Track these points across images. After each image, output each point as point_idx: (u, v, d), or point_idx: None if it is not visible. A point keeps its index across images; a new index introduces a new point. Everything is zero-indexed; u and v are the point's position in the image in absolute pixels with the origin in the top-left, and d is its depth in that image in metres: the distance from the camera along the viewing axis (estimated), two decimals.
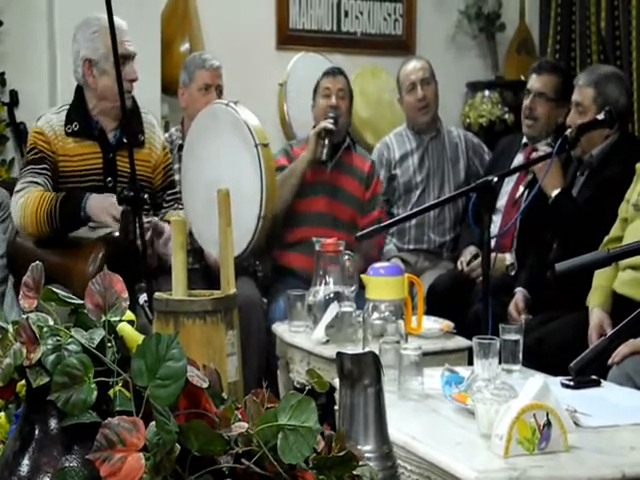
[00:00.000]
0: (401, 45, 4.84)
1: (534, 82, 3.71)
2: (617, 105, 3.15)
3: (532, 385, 1.74)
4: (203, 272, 3.47)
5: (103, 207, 2.93)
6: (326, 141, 3.68)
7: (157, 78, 4.08)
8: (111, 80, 3.00)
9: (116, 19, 2.91)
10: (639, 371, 2.27)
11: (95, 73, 3.07)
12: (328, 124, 3.69)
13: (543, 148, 3.45)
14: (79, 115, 3.09)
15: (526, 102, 3.70)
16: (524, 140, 3.78)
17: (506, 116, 4.58)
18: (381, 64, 4.71)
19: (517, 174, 3.67)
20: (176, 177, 3.59)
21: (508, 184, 3.71)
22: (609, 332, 2.32)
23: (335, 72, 3.87)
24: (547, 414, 1.70)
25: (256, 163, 3.31)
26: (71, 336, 1.03)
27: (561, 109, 3.64)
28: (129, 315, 1.13)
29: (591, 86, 3.23)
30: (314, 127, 3.79)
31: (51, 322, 1.06)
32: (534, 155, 3.34)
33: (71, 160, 3.06)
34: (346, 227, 3.73)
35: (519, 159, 3.74)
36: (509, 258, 3.50)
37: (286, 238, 3.81)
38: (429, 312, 3.20)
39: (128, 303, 1.11)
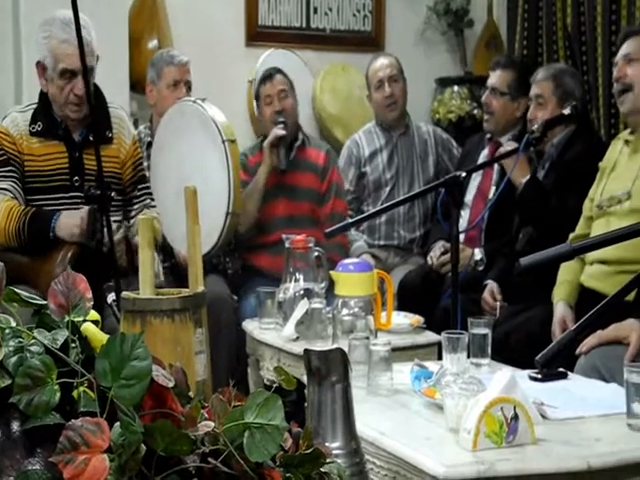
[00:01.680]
0: (370, 41, 4.84)
1: (490, 78, 3.78)
2: (575, 96, 3.26)
3: (499, 379, 1.76)
4: (172, 270, 3.46)
5: (72, 224, 2.89)
6: (282, 147, 3.68)
7: (125, 75, 4.05)
8: (57, 90, 2.98)
9: (86, 22, 2.87)
10: (605, 362, 2.29)
11: (46, 77, 3.03)
12: (279, 131, 3.69)
13: (508, 143, 3.48)
14: (43, 114, 3.06)
15: (483, 98, 3.77)
16: (488, 135, 3.82)
17: (475, 111, 4.61)
18: (350, 60, 4.72)
19: (483, 171, 3.70)
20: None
21: (475, 179, 3.75)
22: (572, 326, 2.35)
23: (271, 75, 3.86)
24: (514, 407, 1.72)
25: (224, 160, 3.30)
26: (34, 337, 1.02)
27: (517, 103, 3.70)
28: (93, 315, 1.12)
29: (549, 79, 3.35)
30: (264, 137, 3.78)
31: (13, 323, 1.05)
32: (501, 150, 3.37)
33: (37, 160, 3.03)
34: (309, 223, 3.73)
35: (484, 154, 3.78)
36: (478, 253, 3.53)
37: (252, 242, 3.80)
38: (399, 307, 3.22)
39: (92, 303, 1.11)
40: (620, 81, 2.81)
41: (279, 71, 3.89)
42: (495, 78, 3.75)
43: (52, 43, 2.95)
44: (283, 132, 3.69)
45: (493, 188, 3.63)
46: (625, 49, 2.83)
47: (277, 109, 3.78)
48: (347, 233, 3.83)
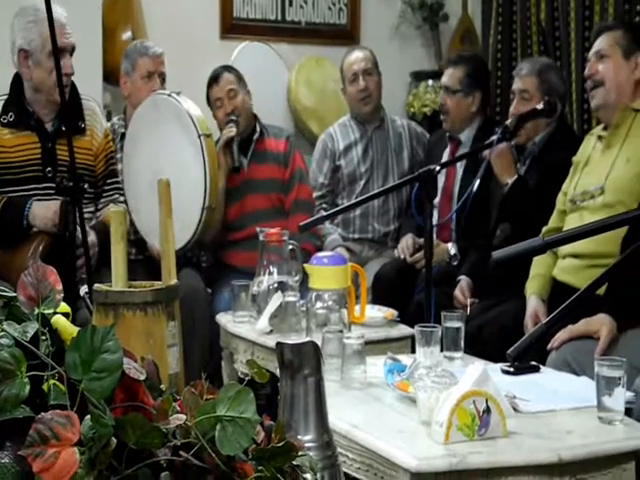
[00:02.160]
0: (345, 34, 4.84)
1: (442, 77, 3.83)
2: (559, 92, 3.27)
3: (472, 372, 1.77)
4: (146, 263, 3.45)
5: (46, 216, 2.88)
6: (234, 147, 3.66)
7: (99, 67, 4.02)
8: (46, 72, 2.96)
9: (56, 9, 2.86)
10: (576, 356, 2.31)
11: (30, 64, 3.01)
12: (230, 132, 3.67)
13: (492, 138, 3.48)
14: (15, 105, 3.03)
15: (439, 97, 3.79)
16: (447, 133, 3.83)
17: None
18: (326, 53, 4.72)
19: (446, 168, 3.70)
20: (119, 167, 3.55)
21: (440, 178, 3.74)
22: (544, 320, 2.36)
23: (218, 76, 3.81)
24: (486, 400, 1.73)
25: (199, 154, 3.29)
26: (3, 330, 1.01)
27: (471, 98, 3.71)
28: (64, 307, 1.11)
29: (534, 74, 3.35)
30: (217, 140, 3.75)
31: None
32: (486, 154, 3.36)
33: (8, 151, 3.01)
34: (278, 215, 3.72)
35: (447, 153, 3.79)
36: (452, 248, 3.54)
37: (223, 239, 3.79)
38: (374, 301, 3.23)
39: (63, 295, 1.10)
40: (592, 78, 2.83)
41: (226, 68, 3.86)
42: (447, 77, 3.77)
43: (40, 24, 2.91)
44: (233, 132, 3.67)
45: (457, 187, 3.65)
46: (597, 45, 2.85)
47: (228, 111, 3.75)
48: (312, 236, 3.80)
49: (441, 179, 3.73)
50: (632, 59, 2.78)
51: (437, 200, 3.70)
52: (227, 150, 3.68)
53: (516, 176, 3.24)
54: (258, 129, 3.85)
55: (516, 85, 3.39)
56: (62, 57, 2.96)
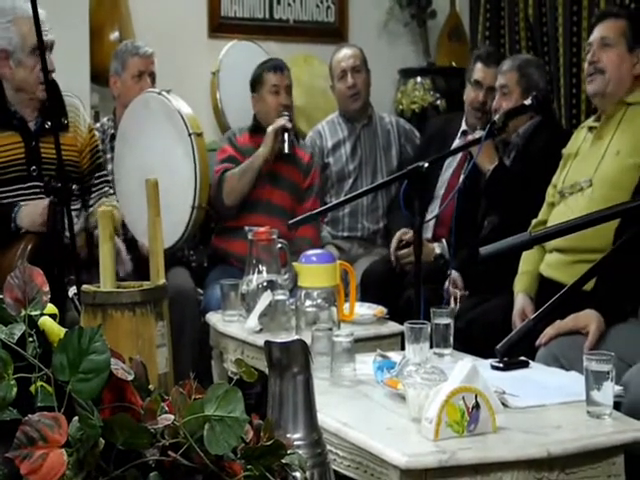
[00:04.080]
0: (334, 32, 4.84)
1: (484, 73, 3.64)
2: (538, 87, 3.28)
3: (461, 368, 1.77)
4: (136, 263, 3.44)
5: (34, 214, 2.87)
6: (285, 136, 3.70)
7: (86, 67, 4.02)
8: (27, 71, 2.95)
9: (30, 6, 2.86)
10: (564, 351, 2.31)
11: (11, 64, 2.99)
12: (287, 123, 3.71)
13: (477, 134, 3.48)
14: None
15: (479, 96, 3.64)
16: (464, 127, 3.79)
17: (438, 102, 4.63)
18: (314, 51, 4.71)
19: (456, 163, 3.70)
20: (109, 167, 3.54)
21: (446, 171, 3.74)
22: (531, 316, 2.37)
23: (282, 68, 3.88)
24: (476, 396, 1.73)
25: (190, 152, 3.29)
26: None
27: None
28: (51, 309, 1.12)
29: (514, 70, 3.36)
30: (256, 121, 3.80)
31: None
32: (468, 138, 3.37)
33: None
34: (284, 214, 3.73)
35: (456, 144, 3.75)
36: (437, 248, 3.53)
37: (227, 224, 3.80)
38: (363, 298, 3.22)
39: (49, 296, 1.10)
40: (593, 65, 2.79)
41: (288, 68, 3.92)
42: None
43: (19, 23, 2.91)
44: (289, 124, 3.72)
45: (461, 177, 3.62)
46: (601, 31, 2.80)
47: (283, 103, 3.81)
48: (316, 225, 3.82)
49: (449, 170, 3.72)
50: (635, 53, 2.77)
51: (441, 192, 3.70)
52: (277, 136, 3.70)
53: (497, 162, 3.26)
54: (292, 135, 3.89)
55: (498, 81, 3.41)
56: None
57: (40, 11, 2.86)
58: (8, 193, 2.98)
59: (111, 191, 3.28)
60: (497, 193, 3.27)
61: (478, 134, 3.36)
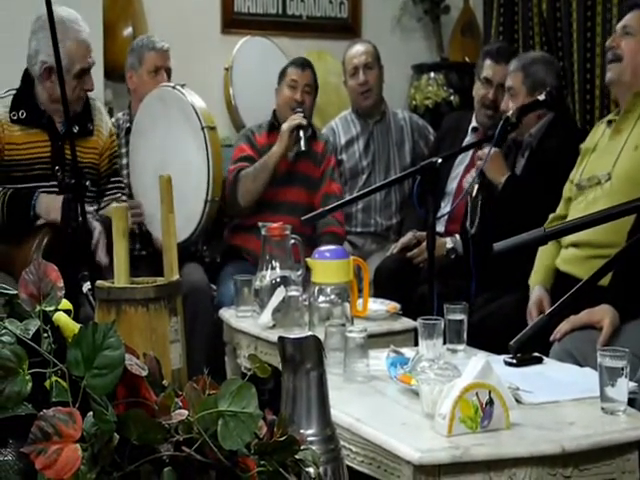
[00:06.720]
0: (347, 28, 4.84)
1: (493, 71, 3.61)
2: (545, 84, 3.23)
3: (475, 364, 1.77)
4: (151, 259, 3.45)
5: (53, 207, 2.89)
6: (301, 133, 3.70)
7: (100, 63, 4.01)
8: (68, 90, 2.96)
9: (81, 25, 2.96)
10: (579, 347, 2.31)
11: (53, 79, 2.99)
12: (302, 121, 3.70)
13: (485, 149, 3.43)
14: (26, 103, 3.03)
15: (489, 93, 3.62)
16: (474, 124, 3.78)
17: (451, 97, 4.61)
18: (327, 47, 4.71)
19: (467, 160, 3.68)
20: (124, 161, 3.56)
21: (458, 167, 3.73)
22: (548, 309, 2.36)
23: (304, 65, 3.88)
24: (489, 392, 1.73)
25: (203, 146, 3.30)
26: (5, 327, 1.02)
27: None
28: (66, 304, 1.12)
29: (519, 70, 3.34)
30: (274, 118, 3.80)
31: None
32: (479, 154, 3.31)
33: (18, 148, 3.01)
34: (301, 211, 3.72)
35: (468, 142, 3.74)
36: (449, 242, 3.52)
37: (242, 222, 3.80)
38: (376, 294, 3.22)
39: (64, 292, 1.10)
40: (611, 50, 2.78)
41: (311, 67, 3.91)
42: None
43: (67, 45, 2.94)
44: (304, 122, 3.71)
45: (468, 180, 3.61)
46: (626, 20, 2.79)
47: (297, 99, 3.80)
48: (336, 221, 3.79)
49: (460, 167, 3.71)
50: None
51: (452, 188, 3.69)
52: (292, 134, 3.69)
53: (508, 173, 3.23)
54: (310, 130, 3.87)
55: (507, 82, 3.39)
56: (84, 75, 3.03)
57: (85, 28, 2.94)
58: (30, 189, 3.00)
59: (123, 197, 3.30)
60: (511, 206, 3.22)
61: (486, 149, 3.32)
